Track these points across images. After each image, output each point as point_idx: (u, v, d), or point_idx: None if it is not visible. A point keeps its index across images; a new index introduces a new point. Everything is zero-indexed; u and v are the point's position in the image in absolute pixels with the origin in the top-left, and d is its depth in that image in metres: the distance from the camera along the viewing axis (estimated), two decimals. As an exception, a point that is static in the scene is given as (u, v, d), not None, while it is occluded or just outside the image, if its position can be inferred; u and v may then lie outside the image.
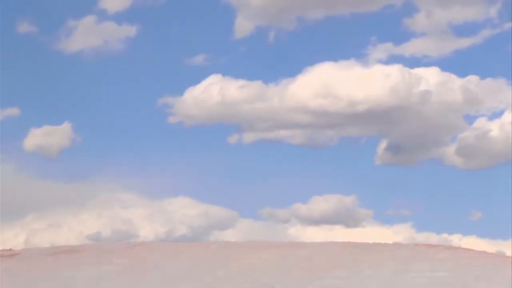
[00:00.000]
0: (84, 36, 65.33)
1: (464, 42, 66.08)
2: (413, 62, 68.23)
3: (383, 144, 64.83)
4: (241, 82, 64.62)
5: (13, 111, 65.16)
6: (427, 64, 66.39)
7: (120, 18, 66.90)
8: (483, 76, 67.74)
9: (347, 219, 59.26)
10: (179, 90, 69.98)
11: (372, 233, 55.08)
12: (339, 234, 58.36)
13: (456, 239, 55.52)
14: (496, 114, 64.38)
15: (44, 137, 64.63)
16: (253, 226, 60.52)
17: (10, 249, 19.89)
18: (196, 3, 70.15)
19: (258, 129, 64.59)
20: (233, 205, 65.56)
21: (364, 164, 63.73)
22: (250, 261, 16.22)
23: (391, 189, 62.44)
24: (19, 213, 56.01)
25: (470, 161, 62.91)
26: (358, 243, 17.66)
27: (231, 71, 67.19)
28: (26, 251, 18.82)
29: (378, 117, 63.14)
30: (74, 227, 57.39)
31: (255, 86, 64.26)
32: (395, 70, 63.81)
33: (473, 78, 65.01)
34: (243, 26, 66.13)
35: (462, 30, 67.80)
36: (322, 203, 60.38)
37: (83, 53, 67.02)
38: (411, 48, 66.42)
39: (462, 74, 67.63)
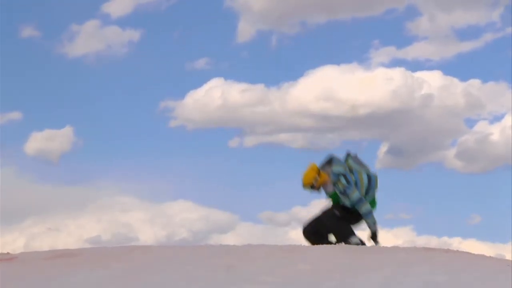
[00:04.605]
0: (87, 40, 65.75)
1: (467, 46, 66.37)
2: (415, 65, 68.76)
3: (384, 148, 65.12)
4: (243, 85, 64.81)
5: (16, 115, 65.41)
6: (430, 68, 66.98)
7: (123, 22, 67.30)
8: (484, 80, 68.18)
9: (347, 223, 59.15)
10: (181, 94, 70.32)
11: (373, 237, 55.02)
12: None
13: (456, 242, 55.57)
14: (497, 118, 64.80)
15: (45, 141, 64.89)
16: (253, 230, 60.56)
17: (8, 253, 19.69)
18: (199, 8, 70.39)
19: (259, 132, 64.69)
20: (234, 209, 65.74)
21: (365, 167, 63.70)
22: (249, 264, 16.08)
23: (391, 193, 62.65)
24: (18, 217, 56.35)
25: (470, 165, 63.22)
26: (356, 246, 17.55)
27: (233, 74, 67.52)
28: (24, 254, 18.66)
29: (380, 121, 63.50)
30: (74, 231, 57.62)
31: (257, 90, 64.36)
32: (398, 73, 64.17)
33: (474, 82, 65.47)
34: (245, 30, 66.42)
35: (464, 34, 68.15)
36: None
37: (86, 57, 67.39)
38: (413, 51, 66.85)
39: (464, 77, 68.33)
